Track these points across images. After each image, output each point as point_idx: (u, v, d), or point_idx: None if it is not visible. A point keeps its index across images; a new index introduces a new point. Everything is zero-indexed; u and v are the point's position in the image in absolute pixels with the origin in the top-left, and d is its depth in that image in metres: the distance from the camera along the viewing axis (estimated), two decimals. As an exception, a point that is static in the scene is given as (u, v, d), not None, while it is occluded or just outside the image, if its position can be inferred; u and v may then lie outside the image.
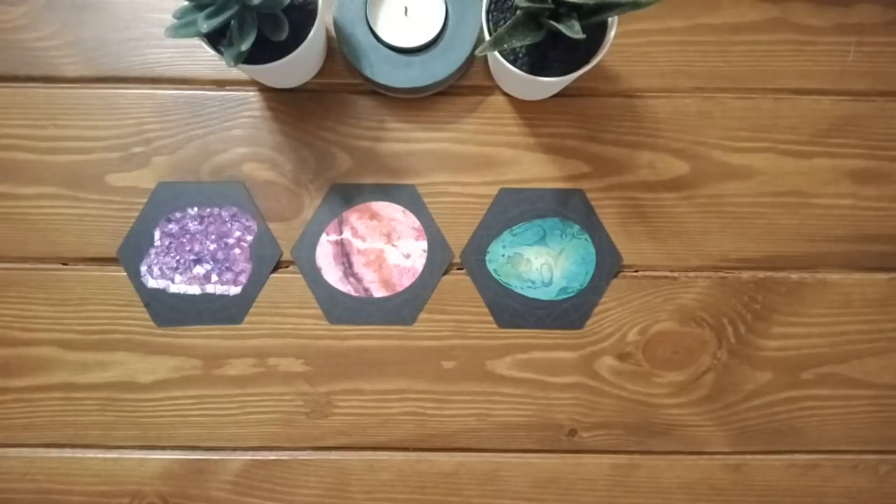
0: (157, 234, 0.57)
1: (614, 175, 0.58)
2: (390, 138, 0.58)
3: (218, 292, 0.57)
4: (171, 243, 0.56)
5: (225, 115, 0.58)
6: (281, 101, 0.58)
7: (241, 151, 0.58)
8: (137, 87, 0.58)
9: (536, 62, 0.51)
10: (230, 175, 0.58)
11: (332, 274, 0.57)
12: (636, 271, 0.58)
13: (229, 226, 0.56)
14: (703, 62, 0.58)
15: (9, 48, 0.58)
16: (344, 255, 0.57)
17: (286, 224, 0.58)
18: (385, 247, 0.58)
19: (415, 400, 0.58)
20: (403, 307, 0.57)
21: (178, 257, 0.56)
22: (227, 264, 0.56)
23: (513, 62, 0.51)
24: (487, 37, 0.50)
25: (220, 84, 0.58)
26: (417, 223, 0.58)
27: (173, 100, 0.58)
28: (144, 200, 0.57)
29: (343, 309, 0.57)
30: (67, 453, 0.58)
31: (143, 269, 0.57)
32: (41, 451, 0.58)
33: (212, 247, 0.56)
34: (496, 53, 0.50)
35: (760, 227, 0.58)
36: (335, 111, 0.58)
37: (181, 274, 0.56)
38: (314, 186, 0.58)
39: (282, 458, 0.58)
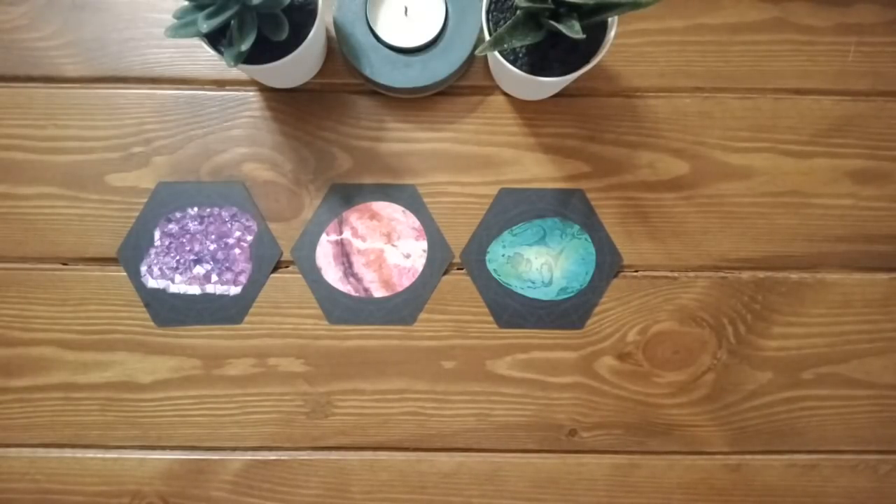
0: (157, 234, 0.57)
1: (614, 175, 0.58)
2: (390, 138, 0.58)
3: (218, 292, 0.57)
4: (171, 243, 0.56)
5: (225, 115, 0.58)
6: (281, 101, 0.58)
7: (240, 151, 0.58)
8: (137, 87, 0.58)
9: (536, 62, 0.51)
10: (230, 175, 0.58)
11: (332, 274, 0.57)
12: (636, 271, 0.58)
13: (229, 226, 0.56)
14: (702, 62, 0.58)
15: (9, 48, 0.58)
16: (344, 255, 0.57)
17: (286, 224, 0.58)
18: (385, 247, 0.58)
19: (415, 400, 0.58)
20: (403, 307, 0.57)
21: (178, 257, 0.56)
22: (226, 264, 0.56)
23: (513, 62, 0.51)
24: (487, 37, 0.50)
25: (220, 84, 0.58)
26: (417, 223, 0.58)
27: (173, 100, 0.58)
28: (144, 200, 0.57)
29: (343, 309, 0.57)
30: (67, 453, 0.58)
31: (143, 269, 0.57)
32: (41, 452, 0.58)
33: (212, 247, 0.56)
34: (496, 53, 0.50)
35: (760, 227, 0.58)
36: (335, 111, 0.58)
37: (181, 274, 0.56)
38: (314, 186, 0.58)
39: (282, 458, 0.58)
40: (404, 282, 0.57)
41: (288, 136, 0.58)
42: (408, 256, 0.57)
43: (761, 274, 0.58)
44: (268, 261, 0.57)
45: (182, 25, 0.45)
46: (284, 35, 0.47)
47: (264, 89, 0.58)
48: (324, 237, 0.58)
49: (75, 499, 0.57)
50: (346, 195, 0.58)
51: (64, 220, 0.58)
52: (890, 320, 0.58)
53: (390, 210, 0.58)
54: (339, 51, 0.56)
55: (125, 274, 0.57)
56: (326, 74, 0.58)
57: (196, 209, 0.57)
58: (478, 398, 0.58)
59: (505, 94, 0.58)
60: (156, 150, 0.58)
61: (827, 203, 0.59)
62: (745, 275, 0.58)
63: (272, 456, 0.58)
